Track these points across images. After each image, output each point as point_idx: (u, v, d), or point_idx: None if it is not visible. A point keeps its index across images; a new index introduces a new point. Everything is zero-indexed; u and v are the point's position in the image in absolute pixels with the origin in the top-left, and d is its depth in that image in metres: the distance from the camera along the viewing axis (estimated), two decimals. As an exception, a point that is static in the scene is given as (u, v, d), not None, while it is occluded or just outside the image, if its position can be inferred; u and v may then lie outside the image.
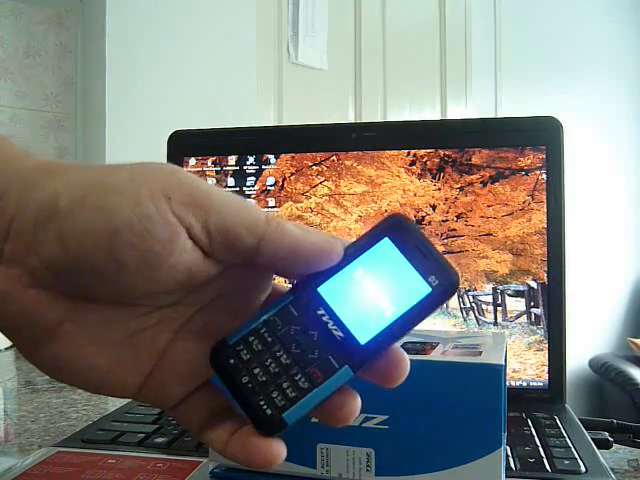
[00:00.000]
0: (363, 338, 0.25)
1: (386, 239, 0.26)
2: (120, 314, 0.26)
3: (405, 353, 0.26)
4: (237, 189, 0.61)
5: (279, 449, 0.25)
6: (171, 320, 0.27)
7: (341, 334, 0.25)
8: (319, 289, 0.26)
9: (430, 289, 0.25)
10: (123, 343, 0.26)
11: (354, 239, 0.27)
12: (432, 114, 2.11)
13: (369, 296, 0.26)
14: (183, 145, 0.62)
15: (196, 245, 0.24)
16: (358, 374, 0.25)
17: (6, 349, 0.96)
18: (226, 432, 0.26)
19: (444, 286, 0.25)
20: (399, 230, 0.26)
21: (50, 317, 0.25)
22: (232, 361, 0.25)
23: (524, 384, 0.54)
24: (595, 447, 0.43)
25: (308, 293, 0.26)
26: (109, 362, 0.26)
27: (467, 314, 0.56)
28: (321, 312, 0.26)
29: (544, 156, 0.55)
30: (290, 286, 0.27)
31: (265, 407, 0.25)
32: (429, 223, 0.57)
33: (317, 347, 0.25)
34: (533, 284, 0.55)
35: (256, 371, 0.25)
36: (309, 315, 0.26)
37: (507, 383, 0.34)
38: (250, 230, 0.24)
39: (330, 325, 0.25)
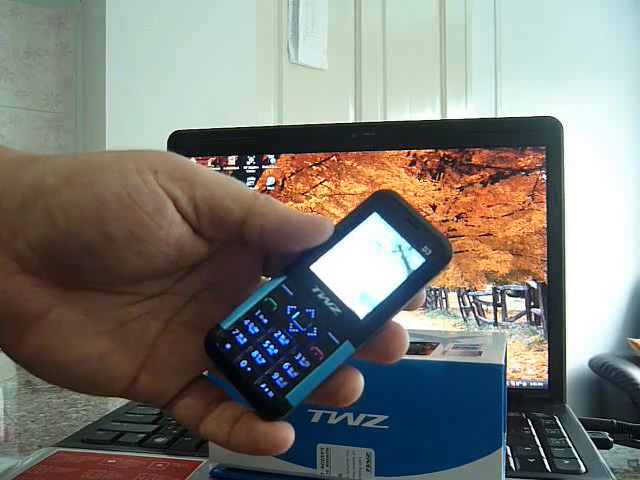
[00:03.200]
0: (361, 312, 0.25)
1: (375, 214, 0.26)
2: (108, 302, 0.25)
3: (403, 327, 0.25)
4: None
5: (287, 432, 0.24)
6: (160, 311, 0.26)
7: (339, 310, 0.25)
8: (312, 267, 0.25)
9: (424, 259, 0.25)
10: (112, 333, 0.25)
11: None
12: (432, 114, 2.11)
13: (363, 271, 0.25)
14: (183, 145, 0.62)
15: (184, 220, 0.24)
16: (359, 350, 0.25)
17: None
18: (227, 423, 0.25)
19: (438, 255, 0.25)
20: (387, 204, 0.26)
21: (36, 305, 0.24)
22: (228, 346, 0.25)
23: (524, 384, 0.54)
24: (595, 447, 0.43)
25: (301, 272, 0.25)
26: (98, 353, 0.25)
27: (467, 314, 0.56)
28: (316, 290, 0.25)
29: (544, 156, 0.55)
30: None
31: (267, 390, 0.24)
32: (429, 223, 0.57)
33: (315, 325, 0.25)
34: (533, 284, 0.55)
35: (254, 354, 0.24)
36: (304, 293, 0.25)
37: (507, 383, 0.34)
38: (238, 202, 0.24)
39: (327, 302, 0.25)
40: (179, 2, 1.50)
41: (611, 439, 0.47)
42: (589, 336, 2.46)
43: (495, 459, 0.32)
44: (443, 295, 0.56)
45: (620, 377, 2.26)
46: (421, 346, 0.36)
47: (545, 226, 0.55)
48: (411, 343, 0.36)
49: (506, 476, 0.34)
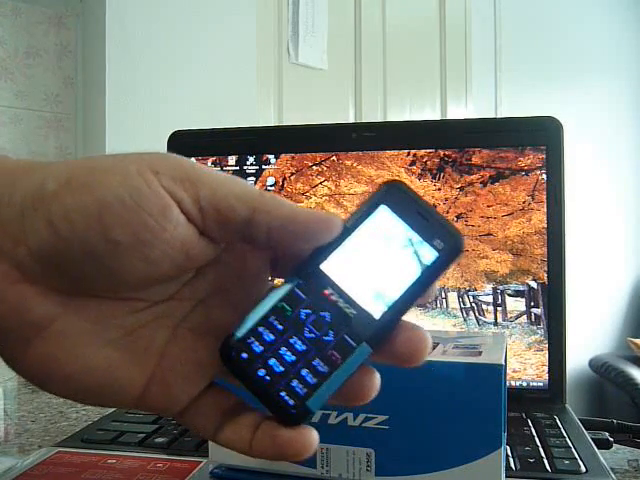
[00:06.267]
0: (376, 312, 0.24)
1: (383, 206, 0.25)
2: (114, 310, 0.25)
3: (424, 330, 0.25)
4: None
5: (311, 436, 0.24)
6: (168, 317, 0.26)
7: (353, 311, 0.24)
8: (322, 267, 0.25)
9: (437, 253, 0.24)
10: (120, 342, 0.25)
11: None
12: (432, 114, 2.11)
13: (376, 268, 0.25)
14: (183, 145, 0.62)
15: (189, 221, 0.23)
16: (376, 350, 0.24)
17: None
18: (247, 430, 0.25)
19: (450, 248, 0.24)
20: (396, 196, 0.25)
21: (39, 314, 0.23)
22: (244, 355, 0.24)
23: (524, 384, 0.54)
24: (595, 447, 0.43)
25: (312, 273, 0.25)
26: (106, 363, 0.24)
27: (467, 314, 0.56)
28: (329, 291, 0.24)
29: (544, 156, 0.55)
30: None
31: (287, 398, 0.24)
32: (429, 223, 0.57)
33: (331, 328, 0.24)
34: (533, 284, 0.55)
35: (271, 362, 0.24)
36: (317, 296, 0.24)
37: (507, 383, 0.34)
38: (243, 201, 0.24)
39: (341, 303, 0.24)
40: (179, 2, 1.50)
41: (611, 439, 0.47)
42: (589, 336, 2.46)
43: (495, 459, 0.32)
44: (443, 295, 0.56)
45: (620, 377, 2.25)
46: (421, 346, 0.36)
47: (545, 226, 0.55)
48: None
49: (506, 476, 0.34)
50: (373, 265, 0.25)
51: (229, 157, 0.61)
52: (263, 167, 0.60)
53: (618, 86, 2.68)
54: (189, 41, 1.50)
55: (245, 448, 0.25)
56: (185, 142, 0.62)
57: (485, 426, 0.32)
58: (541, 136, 0.55)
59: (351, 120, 1.91)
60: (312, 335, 0.24)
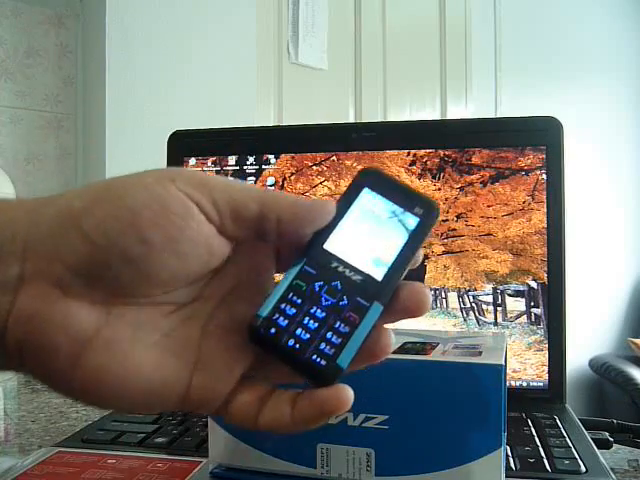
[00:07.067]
0: (379, 275, 0.27)
1: (366, 189, 0.29)
2: (151, 315, 0.27)
3: (423, 284, 0.28)
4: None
5: (346, 390, 0.26)
6: (195, 318, 0.28)
7: (360, 277, 0.28)
8: (325, 246, 0.28)
9: (418, 219, 0.29)
10: (160, 343, 0.26)
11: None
12: (432, 114, 2.11)
13: (370, 239, 0.28)
14: (183, 145, 0.62)
15: (208, 220, 0.26)
16: (387, 307, 0.27)
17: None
18: (286, 405, 0.27)
19: (429, 213, 0.29)
20: (374, 179, 0.29)
21: (85, 327, 0.25)
22: (272, 330, 0.26)
23: (524, 384, 0.54)
24: (595, 447, 0.43)
25: (317, 252, 0.28)
26: (152, 364, 0.26)
27: (467, 314, 0.56)
28: (335, 264, 0.28)
29: (544, 156, 0.55)
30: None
31: (318, 360, 0.26)
32: (429, 223, 0.57)
33: (344, 294, 0.27)
34: (533, 284, 0.55)
35: (298, 332, 0.27)
36: (325, 270, 0.28)
37: (507, 383, 0.34)
38: (252, 198, 0.27)
39: (347, 273, 0.28)
40: (179, 2, 1.50)
41: (611, 439, 0.47)
42: (589, 336, 2.46)
43: (495, 459, 0.32)
44: (443, 295, 0.57)
45: (620, 377, 2.25)
46: (421, 346, 0.36)
47: (545, 226, 0.55)
48: (411, 343, 0.36)
49: (506, 476, 0.34)
50: (367, 237, 0.28)
51: (229, 157, 0.61)
52: (263, 167, 0.60)
53: (618, 86, 2.68)
54: (189, 41, 1.50)
55: (286, 422, 0.26)
56: (185, 142, 0.62)
57: (485, 426, 0.32)
58: (541, 136, 0.56)
59: (351, 120, 1.91)
60: (329, 303, 0.27)
